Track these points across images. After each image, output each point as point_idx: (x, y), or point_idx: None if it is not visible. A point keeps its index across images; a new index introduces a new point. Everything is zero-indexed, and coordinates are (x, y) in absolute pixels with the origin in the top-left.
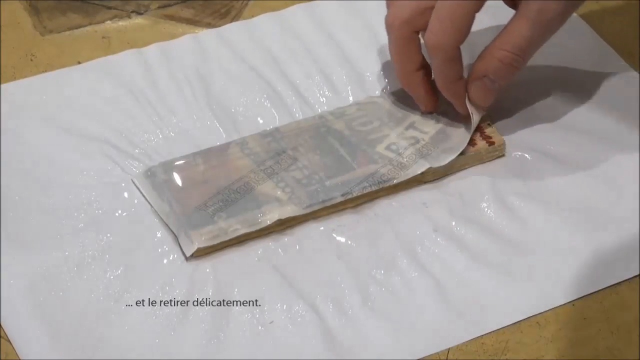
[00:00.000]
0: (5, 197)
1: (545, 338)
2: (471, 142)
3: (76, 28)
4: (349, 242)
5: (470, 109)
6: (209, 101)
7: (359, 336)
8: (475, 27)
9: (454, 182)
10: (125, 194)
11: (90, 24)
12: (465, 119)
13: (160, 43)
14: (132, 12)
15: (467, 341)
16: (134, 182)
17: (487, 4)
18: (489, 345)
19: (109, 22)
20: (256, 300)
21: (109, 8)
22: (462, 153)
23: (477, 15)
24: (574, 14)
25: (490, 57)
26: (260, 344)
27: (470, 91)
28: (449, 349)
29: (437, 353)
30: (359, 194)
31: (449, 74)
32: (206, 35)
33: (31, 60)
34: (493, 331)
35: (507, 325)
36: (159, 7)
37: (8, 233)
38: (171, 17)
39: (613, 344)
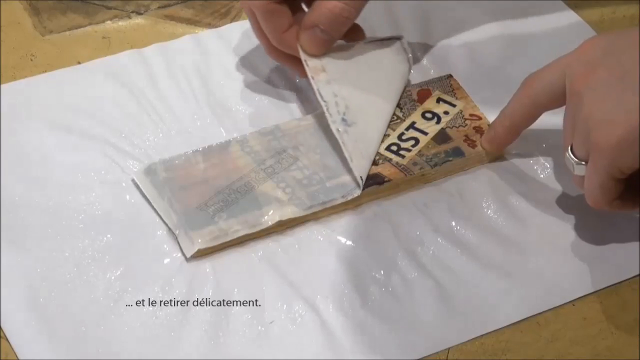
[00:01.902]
0: (5, 197)
1: (545, 338)
2: (471, 144)
3: (76, 28)
4: (349, 243)
5: (303, 56)
6: (209, 100)
7: (359, 336)
8: (475, 27)
9: (454, 183)
10: (125, 194)
11: (90, 24)
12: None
13: (160, 43)
14: (132, 12)
15: (467, 341)
16: (133, 180)
17: (486, 3)
18: (489, 345)
19: (109, 22)
20: (256, 300)
21: (109, 8)
22: (462, 154)
23: (478, 15)
24: (575, 15)
25: (322, 7)
26: (260, 344)
27: (301, 41)
28: (449, 349)
29: (437, 353)
30: (359, 194)
31: (275, 26)
32: (206, 35)
33: (31, 60)
34: (493, 331)
35: (507, 325)
36: (159, 7)
37: (8, 233)
38: (171, 17)
39: (613, 344)
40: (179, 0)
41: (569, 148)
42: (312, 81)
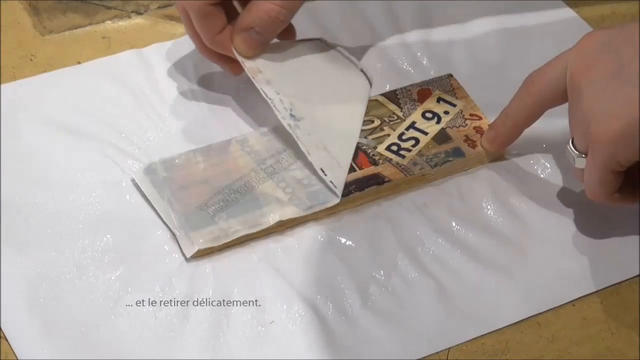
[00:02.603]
0: (5, 197)
1: (545, 338)
2: (472, 144)
3: (76, 28)
4: (350, 243)
5: (239, 58)
6: (209, 100)
7: (359, 336)
8: (475, 26)
9: (454, 183)
10: (125, 194)
11: (90, 24)
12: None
13: (160, 43)
14: (132, 12)
15: (467, 341)
16: (133, 180)
17: (486, 3)
18: (489, 345)
19: (109, 22)
20: (256, 301)
21: (109, 8)
22: (463, 155)
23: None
24: (575, 15)
25: (257, 10)
26: (260, 344)
27: (235, 42)
28: (449, 349)
29: (437, 353)
30: (359, 195)
31: (209, 27)
32: None
33: (31, 60)
34: (493, 331)
35: (507, 325)
36: (159, 7)
37: (8, 233)
38: (171, 17)
39: (613, 344)
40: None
41: (570, 141)
42: (253, 81)
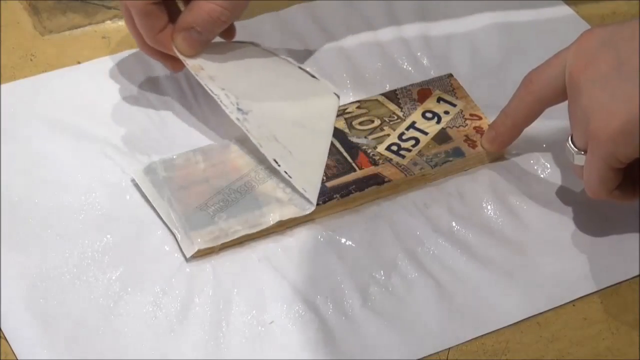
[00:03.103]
0: (5, 197)
1: (545, 338)
2: (472, 144)
3: (76, 28)
4: (349, 243)
5: (181, 56)
6: (209, 100)
7: (359, 336)
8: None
9: (454, 183)
10: (125, 194)
11: (90, 24)
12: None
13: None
14: None
15: (467, 341)
16: (133, 180)
17: (487, 3)
18: (489, 345)
19: (109, 22)
20: (256, 301)
21: (109, 8)
22: (463, 155)
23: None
24: (576, 15)
25: (199, 9)
26: (260, 344)
27: (176, 41)
28: (449, 349)
29: (437, 353)
30: (359, 195)
31: (150, 26)
32: None
33: (31, 60)
34: (493, 331)
35: (507, 325)
36: None
37: (8, 233)
38: None
39: (613, 344)
40: (178, 0)
41: (569, 138)
42: (197, 77)
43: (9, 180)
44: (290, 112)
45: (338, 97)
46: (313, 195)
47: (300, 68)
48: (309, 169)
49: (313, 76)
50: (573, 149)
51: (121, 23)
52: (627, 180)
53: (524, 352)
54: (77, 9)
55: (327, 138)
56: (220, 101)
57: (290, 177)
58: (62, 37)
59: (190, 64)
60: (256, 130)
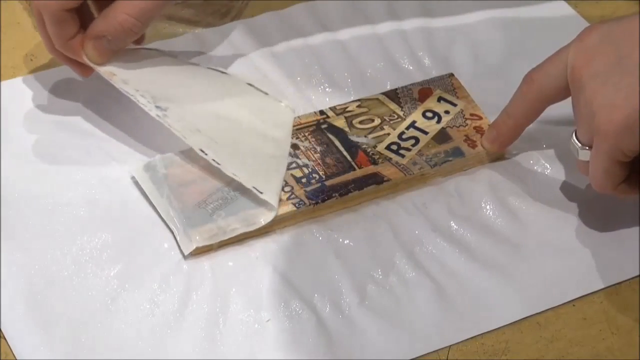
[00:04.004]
0: (4, 194)
1: (545, 338)
2: (472, 144)
3: None
4: (348, 242)
5: (91, 63)
6: None
7: (356, 335)
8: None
9: (454, 183)
10: (124, 191)
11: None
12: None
13: (161, 41)
14: None
15: (466, 341)
16: (133, 177)
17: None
18: (489, 345)
19: None
20: (253, 299)
21: None
22: (462, 154)
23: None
24: (577, 15)
25: (111, 19)
26: (257, 342)
27: (86, 49)
28: (449, 349)
29: (437, 353)
30: (358, 194)
31: (62, 33)
32: (208, 32)
33: (31, 60)
34: (492, 331)
35: (507, 325)
36: None
37: (7, 230)
38: (171, 17)
39: (613, 344)
40: (178, 0)
41: (574, 134)
42: (111, 81)
43: (8, 178)
44: (212, 107)
45: (293, 110)
46: (271, 196)
47: (250, 84)
48: (257, 167)
49: (261, 90)
50: (577, 145)
51: None
52: (633, 174)
53: (524, 352)
54: None
55: (277, 143)
56: (137, 100)
57: (218, 164)
58: None
59: (102, 70)
60: (178, 124)
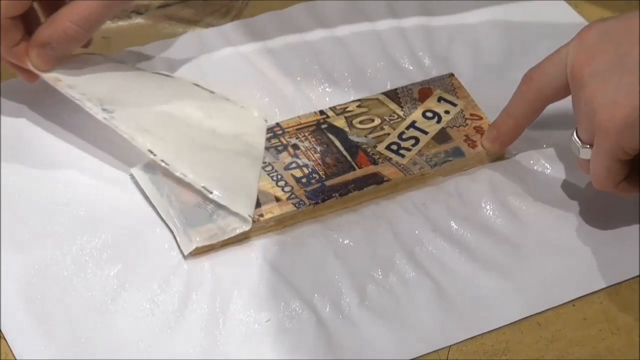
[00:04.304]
0: (4, 193)
1: (545, 338)
2: (472, 144)
3: None
4: (348, 242)
5: (35, 70)
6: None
7: (355, 335)
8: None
9: (454, 183)
10: (124, 191)
11: None
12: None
13: (162, 40)
14: (132, 12)
15: (466, 341)
16: (133, 177)
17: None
18: (489, 345)
19: (109, 22)
20: (253, 298)
21: None
22: (462, 154)
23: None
24: (577, 15)
25: (56, 27)
26: (257, 342)
27: (30, 56)
28: (449, 349)
29: (437, 353)
30: (358, 194)
31: (6, 40)
32: (208, 32)
33: None
34: (492, 330)
35: (506, 325)
36: (159, 7)
37: (6, 230)
38: (171, 17)
39: (613, 344)
40: (179, 0)
41: (574, 132)
42: (56, 87)
43: (7, 177)
44: (159, 109)
45: (265, 120)
46: (237, 204)
47: (196, 85)
48: (212, 167)
49: (208, 90)
50: (578, 143)
51: (121, 23)
52: (634, 172)
53: (524, 352)
54: None
55: (246, 149)
56: (83, 104)
57: (167, 164)
58: None
59: (47, 76)
60: (125, 125)
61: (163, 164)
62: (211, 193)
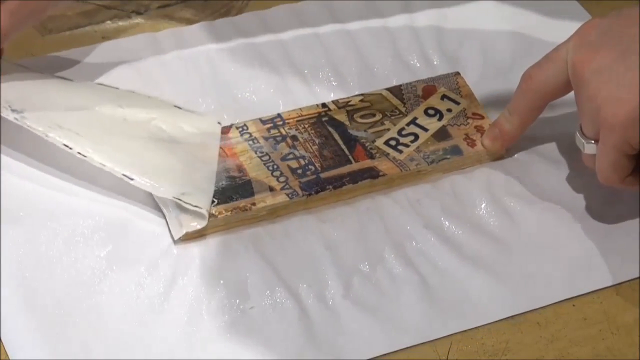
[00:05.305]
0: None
1: (545, 338)
2: (471, 143)
3: (76, 28)
4: (338, 234)
5: None
6: (215, 85)
7: (338, 326)
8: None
9: (450, 181)
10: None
11: (90, 24)
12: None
13: (172, 29)
14: (132, 12)
15: (467, 341)
16: None
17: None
18: (489, 345)
19: (109, 22)
20: (239, 286)
21: (109, 8)
22: (461, 153)
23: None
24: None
25: None
26: (238, 329)
27: None
28: (449, 349)
29: (437, 352)
30: (352, 187)
31: None
32: (219, 23)
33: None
34: (492, 331)
35: (507, 325)
36: (158, 7)
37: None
38: (171, 17)
39: (613, 344)
40: (178, 0)
41: (579, 128)
42: None
43: (6, 163)
44: (73, 106)
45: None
46: (162, 189)
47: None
48: (139, 159)
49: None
50: (583, 139)
51: (121, 23)
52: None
53: (524, 352)
54: (77, 9)
55: (157, 132)
56: None
57: (84, 156)
58: (62, 37)
59: None
60: (38, 123)
61: (80, 156)
62: (132, 180)
